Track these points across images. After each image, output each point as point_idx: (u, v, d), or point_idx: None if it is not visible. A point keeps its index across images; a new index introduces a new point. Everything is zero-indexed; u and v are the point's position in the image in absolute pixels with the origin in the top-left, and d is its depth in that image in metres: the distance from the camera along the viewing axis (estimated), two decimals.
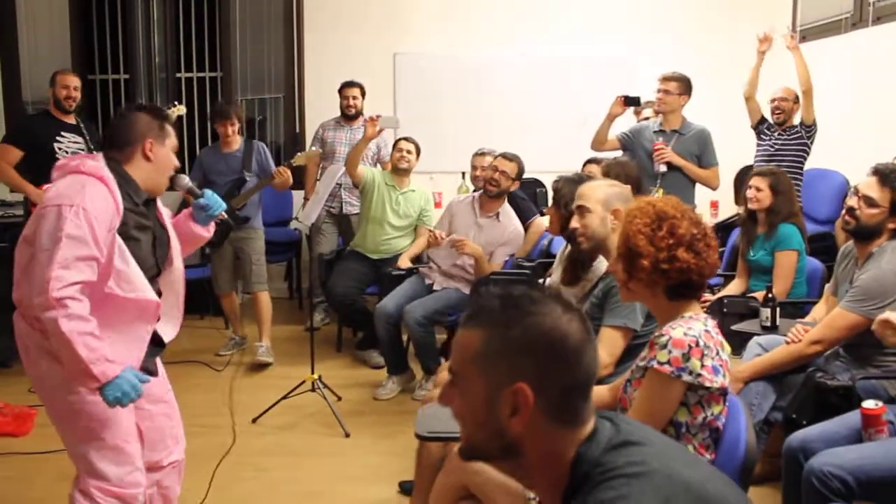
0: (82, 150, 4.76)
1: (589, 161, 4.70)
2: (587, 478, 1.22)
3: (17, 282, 2.31)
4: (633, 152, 4.91)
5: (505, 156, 4.54)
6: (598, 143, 4.96)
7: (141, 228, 2.43)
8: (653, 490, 1.17)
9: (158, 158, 2.47)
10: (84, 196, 2.22)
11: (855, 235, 3.08)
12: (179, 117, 4.98)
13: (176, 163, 2.56)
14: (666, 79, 4.79)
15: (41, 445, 3.63)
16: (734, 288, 4.11)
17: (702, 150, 4.79)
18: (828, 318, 3.00)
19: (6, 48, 6.47)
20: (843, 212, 3.09)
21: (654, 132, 4.85)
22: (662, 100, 4.79)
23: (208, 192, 2.70)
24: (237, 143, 5.09)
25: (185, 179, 2.66)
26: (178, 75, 6.75)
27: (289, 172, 4.81)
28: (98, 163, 2.36)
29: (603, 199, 2.76)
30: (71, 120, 4.88)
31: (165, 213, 2.63)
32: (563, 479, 1.26)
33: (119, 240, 2.30)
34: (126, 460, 2.39)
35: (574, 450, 1.26)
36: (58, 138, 4.75)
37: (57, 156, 4.56)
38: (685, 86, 4.79)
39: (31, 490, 3.30)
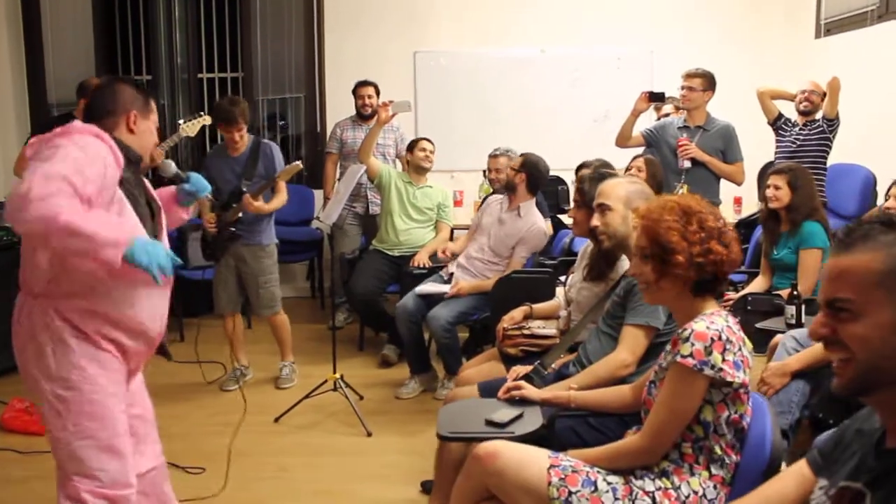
0: None
1: (638, 156, 4.66)
2: None
3: (24, 264, 2.29)
4: (657, 148, 4.89)
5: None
6: (623, 139, 4.94)
7: (139, 189, 2.39)
8: None
9: (141, 132, 2.42)
10: (83, 140, 2.16)
11: None
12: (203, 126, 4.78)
13: (155, 139, 2.50)
14: (690, 75, 4.77)
15: None
16: (757, 286, 4.06)
17: (726, 146, 4.76)
18: None
19: (32, 51, 6.54)
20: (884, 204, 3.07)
21: (679, 128, 4.83)
22: (686, 96, 4.77)
23: (194, 175, 2.64)
24: (245, 144, 4.46)
25: (172, 165, 2.65)
26: (200, 76, 6.80)
27: (255, 203, 4.26)
28: (88, 124, 2.26)
29: (624, 197, 2.74)
30: None
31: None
32: None
33: (120, 193, 2.23)
34: (119, 460, 2.34)
35: None
36: None
37: None
38: (709, 82, 4.76)
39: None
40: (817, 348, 2.98)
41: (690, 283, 2.02)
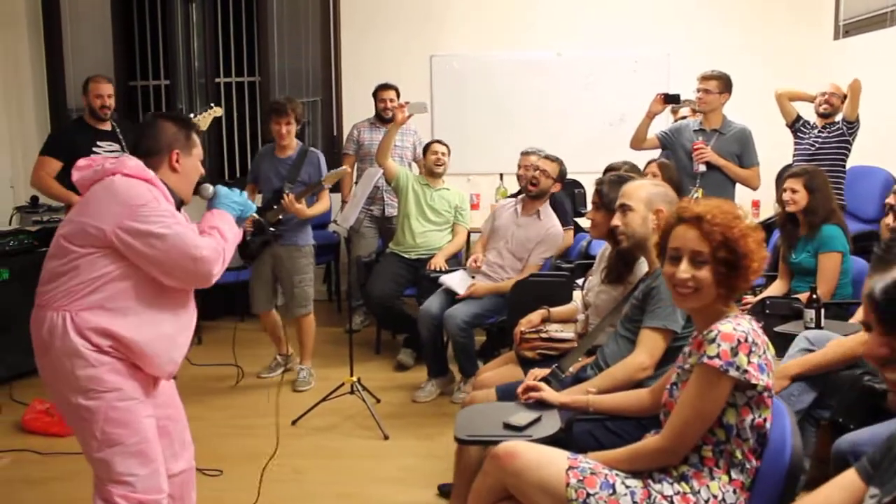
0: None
1: (652, 161, 4.67)
2: None
3: (49, 279, 2.30)
4: (672, 151, 4.87)
5: (548, 157, 4.53)
6: (638, 141, 4.91)
7: None
8: None
9: (185, 169, 2.49)
10: (150, 195, 2.32)
11: None
12: (217, 118, 4.79)
13: (201, 170, 2.57)
14: (706, 78, 4.73)
15: None
16: (776, 289, 4.04)
17: (742, 150, 4.73)
18: None
19: (51, 57, 6.61)
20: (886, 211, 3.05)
21: (695, 131, 4.80)
22: (703, 99, 4.73)
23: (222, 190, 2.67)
24: (293, 147, 4.62)
25: (210, 189, 2.64)
26: (217, 80, 6.84)
27: (296, 205, 4.39)
28: (139, 163, 2.37)
29: (646, 199, 2.73)
30: (106, 126, 4.89)
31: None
32: None
33: None
34: (149, 465, 2.35)
35: None
36: (94, 149, 4.73)
37: None
38: (725, 84, 4.72)
39: (77, 489, 3.35)
40: (822, 356, 2.95)
41: (725, 287, 2.00)
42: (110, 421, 2.29)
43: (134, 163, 2.36)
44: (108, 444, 2.30)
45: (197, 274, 2.35)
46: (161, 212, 2.30)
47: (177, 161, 2.46)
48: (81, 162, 2.42)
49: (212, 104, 4.60)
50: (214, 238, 2.42)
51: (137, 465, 2.33)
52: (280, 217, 4.45)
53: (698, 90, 4.75)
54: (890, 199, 3.01)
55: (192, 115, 4.60)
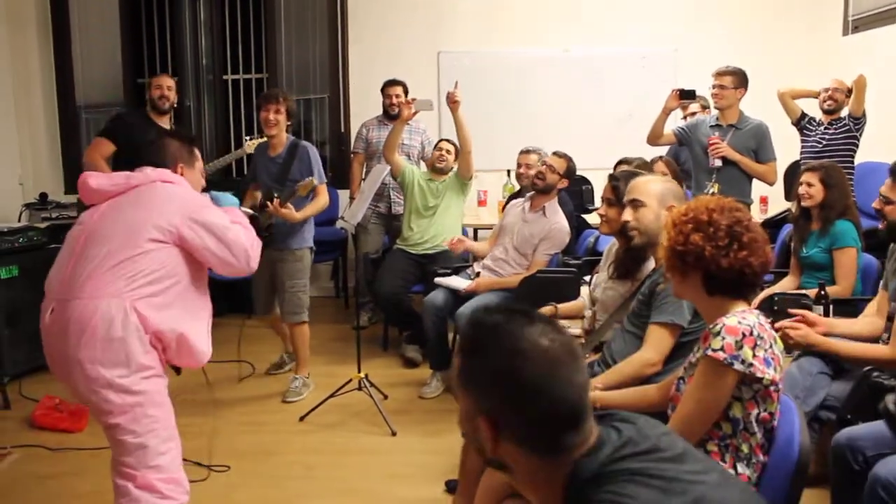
0: None
1: (656, 159, 4.67)
2: (585, 488, 1.23)
3: (109, 271, 2.39)
4: (688, 147, 4.86)
5: (556, 153, 4.54)
6: (654, 137, 4.89)
7: None
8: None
9: (189, 181, 2.70)
10: (202, 198, 2.67)
11: (892, 235, 3.04)
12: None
13: (203, 183, 2.81)
14: (721, 74, 4.70)
15: (95, 442, 3.70)
16: (787, 285, 4.01)
17: (759, 145, 4.70)
18: None
19: (60, 53, 6.64)
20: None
21: (711, 127, 4.78)
22: (718, 94, 4.70)
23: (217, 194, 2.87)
24: (283, 143, 4.41)
25: (207, 196, 2.81)
26: (225, 77, 6.85)
27: (283, 210, 4.18)
28: (160, 171, 2.61)
29: (659, 195, 2.70)
30: (165, 123, 4.85)
31: None
32: (558, 496, 1.26)
33: None
34: (175, 444, 2.51)
35: (567, 469, 1.25)
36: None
37: None
38: (740, 79, 4.70)
39: (86, 484, 3.37)
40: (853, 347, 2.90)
41: (698, 279, 2.01)
42: (155, 403, 2.44)
43: (170, 173, 2.63)
44: (148, 428, 2.42)
45: (249, 264, 2.63)
46: (219, 211, 2.59)
47: (181, 174, 2.68)
48: (93, 181, 2.57)
49: (252, 135, 4.60)
50: (249, 233, 2.68)
51: (168, 445, 2.47)
52: (272, 220, 4.27)
53: (714, 86, 4.72)
54: (876, 204, 3.02)
55: (247, 139, 4.64)
